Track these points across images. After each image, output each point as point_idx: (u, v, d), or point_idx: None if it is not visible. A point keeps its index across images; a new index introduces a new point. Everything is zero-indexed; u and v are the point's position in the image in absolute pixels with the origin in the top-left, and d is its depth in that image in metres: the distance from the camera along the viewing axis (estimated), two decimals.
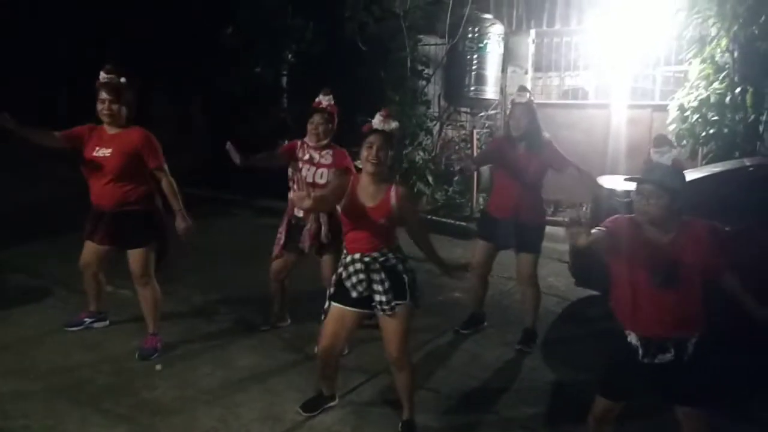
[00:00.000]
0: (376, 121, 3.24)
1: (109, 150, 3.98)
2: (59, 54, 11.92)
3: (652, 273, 2.71)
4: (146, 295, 4.20)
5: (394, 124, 3.25)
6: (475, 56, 9.27)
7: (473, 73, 9.34)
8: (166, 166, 4.09)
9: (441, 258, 3.45)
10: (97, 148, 4.01)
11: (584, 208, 8.65)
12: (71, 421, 3.39)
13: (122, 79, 4.02)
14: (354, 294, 3.25)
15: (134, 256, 4.11)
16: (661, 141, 2.77)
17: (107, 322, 4.58)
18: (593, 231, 2.70)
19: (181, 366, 4.08)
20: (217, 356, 4.24)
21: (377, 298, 3.22)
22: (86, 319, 4.51)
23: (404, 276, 3.25)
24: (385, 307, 3.21)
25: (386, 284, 3.20)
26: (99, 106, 3.98)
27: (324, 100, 4.29)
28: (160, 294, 4.26)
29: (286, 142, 9.13)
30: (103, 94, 3.97)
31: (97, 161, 3.98)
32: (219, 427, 3.44)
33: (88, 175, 4.06)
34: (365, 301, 3.26)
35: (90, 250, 4.23)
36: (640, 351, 2.76)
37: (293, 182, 4.25)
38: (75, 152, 4.15)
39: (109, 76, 3.99)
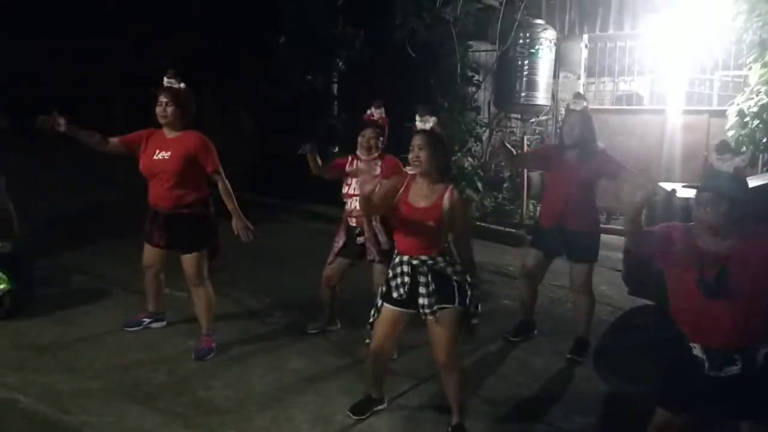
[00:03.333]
0: (417, 122, 3.29)
1: (168, 153, 4.10)
2: (110, 63, 12.27)
3: (701, 283, 2.63)
4: (200, 296, 4.29)
5: (430, 122, 3.27)
6: (526, 62, 9.21)
7: (524, 79, 9.28)
8: (221, 170, 4.18)
9: (475, 268, 3.40)
10: (157, 151, 4.13)
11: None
12: (129, 419, 3.50)
13: (182, 85, 4.15)
14: (395, 295, 3.26)
15: (187, 261, 4.21)
16: (723, 148, 2.71)
17: (164, 323, 4.71)
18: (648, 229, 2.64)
19: (235, 367, 4.16)
20: (268, 358, 4.31)
21: (420, 301, 3.22)
22: (144, 320, 4.64)
23: (453, 279, 3.24)
24: (427, 311, 3.20)
25: (431, 287, 3.20)
26: (157, 109, 4.11)
27: (376, 113, 4.31)
28: (213, 296, 4.36)
29: (337, 148, 9.29)
30: (162, 98, 4.10)
31: (158, 164, 4.10)
32: (271, 428, 3.49)
33: (149, 177, 4.18)
34: (411, 303, 3.27)
35: (150, 251, 4.37)
36: (706, 364, 2.68)
37: (346, 196, 4.33)
38: (131, 157, 4.28)
39: (170, 80, 4.13)
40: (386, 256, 4.21)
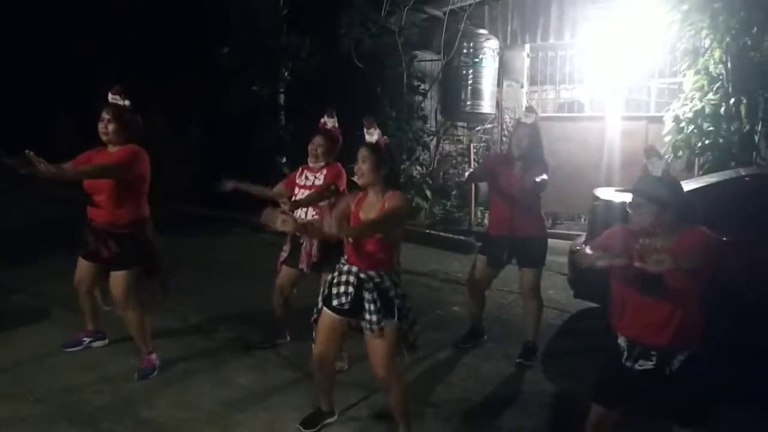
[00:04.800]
0: (365, 134, 3.30)
1: None
2: (55, 77, 11.96)
3: (637, 281, 2.72)
4: (130, 318, 4.16)
5: (375, 134, 3.28)
6: (470, 71, 9.34)
7: (469, 87, 9.42)
8: (114, 168, 3.93)
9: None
10: None
11: (582, 220, 8.69)
12: None
13: (126, 102, 4.06)
14: (335, 302, 3.25)
15: (115, 279, 4.07)
16: (650, 152, 2.82)
17: (106, 341, 4.56)
18: (590, 252, 2.73)
19: (180, 385, 4.06)
20: (216, 374, 4.22)
21: (367, 316, 3.20)
22: (85, 339, 4.50)
23: (395, 299, 3.24)
24: (375, 326, 3.18)
25: (377, 304, 3.18)
26: (99, 125, 4.02)
27: (329, 122, 4.32)
28: (144, 315, 4.21)
29: (284, 159, 9.21)
30: (105, 114, 4.00)
31: (97, 180, 3.98)
32: None
33: (91, 193, 4.07)
34: (350, 312, 3.26)
35: (82, 266, 4.25)
36: (625, 353, 2.80)
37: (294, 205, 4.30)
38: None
39: (114, 97, 4.03)
40: (316, 269, 4.27)
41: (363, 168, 3.22)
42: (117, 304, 4.13)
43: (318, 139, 4.28)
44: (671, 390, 2.75)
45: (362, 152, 3.24)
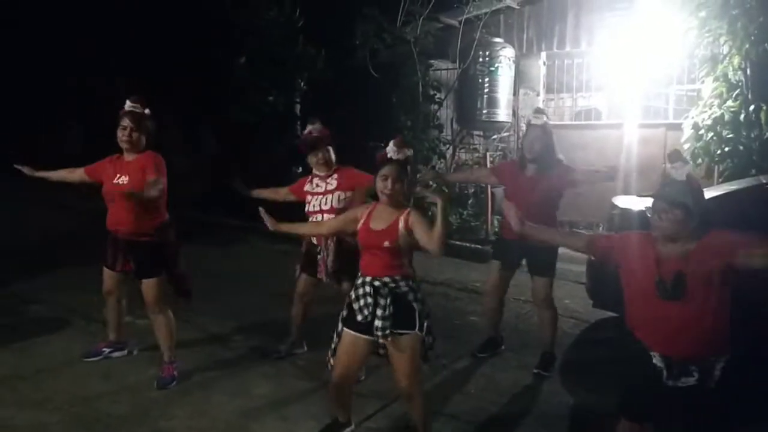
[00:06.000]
0: (390, 150, 3.22)
1: (126, 177, 4.06)
2: (69, 85, 12.04)
3: (658, 286, 2.67)
4: (160, 324, 4.21)
5: (408, 152, 3.25)
6: (486, 79, 9.33)
7: (485, 96, 9.40)
8: (161, 180, 4.00)
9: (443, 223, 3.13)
10: (117, 176, 4.09)
11: (600, 228, 8.61)
12: None
13: (146, 111, 4.10)
14: (359, 317, 3.21)
15: (147, 286, 4.14)
16: (674, 156, 2.76)
17: (125, 352, 4.59)
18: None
19: (198, 395, 4.07)
20: (233, 384, 4.23)
21: (376, 323, 3.16)
22: (105, 349, 4.52)
23: (414, 305, 3.21)
24: (379, 333, 3.15)
25: (388, 310, 3.16)
26: (119, 133, 4.06)
27: (314, 130, 4.31)
28: (174, 322, 4.27)
29: (300, 169, 9.25)
30: (125, 122, 4.04)
31: (117, 188, 4.04)
32: None
33: (109, 201, 4.12)
34: (372, 327, 3.21)
35: (110, 277, 4.29)
36: (665, 373, 2.69)
37: (308, 214, 4.34)
38: (94, 184, 4.23)
39: (133, 105, 4.07)
40: (335, 278, 4.30)
41: (395, 188, 3.19)
42: (149, 308, 4.18)
43: (320, 154, 4.28)
44: (710, 403, 2.67)
45: (394, 171, 3.19)
